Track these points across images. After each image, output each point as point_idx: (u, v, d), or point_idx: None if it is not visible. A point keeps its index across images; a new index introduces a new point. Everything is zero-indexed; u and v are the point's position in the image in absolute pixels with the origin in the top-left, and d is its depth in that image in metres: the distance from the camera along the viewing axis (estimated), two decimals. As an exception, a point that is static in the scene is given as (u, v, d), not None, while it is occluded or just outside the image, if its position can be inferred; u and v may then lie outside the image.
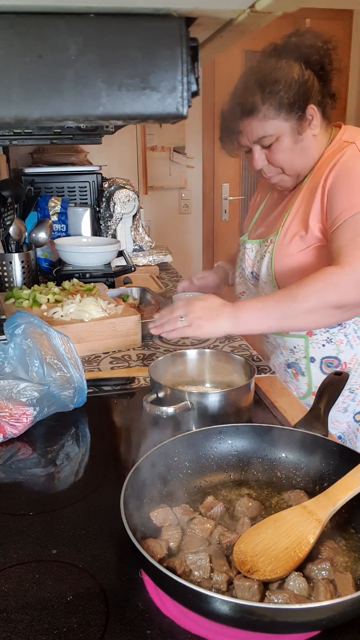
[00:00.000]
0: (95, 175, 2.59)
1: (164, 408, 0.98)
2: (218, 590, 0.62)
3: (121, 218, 2.42)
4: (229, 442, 0.87)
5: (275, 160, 1.28)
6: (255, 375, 1.09)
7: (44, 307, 1.55)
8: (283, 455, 0.86)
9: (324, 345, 1.35)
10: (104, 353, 1.45)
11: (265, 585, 0.63)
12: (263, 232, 1.45)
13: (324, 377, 1.01)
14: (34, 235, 1.94)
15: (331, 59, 1.24)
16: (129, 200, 2.41)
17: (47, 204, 2.36)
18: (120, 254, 2.09)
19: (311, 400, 0.96)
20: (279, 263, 1.33)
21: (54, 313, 1.47)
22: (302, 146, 1.27)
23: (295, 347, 1.39)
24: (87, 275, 1.92)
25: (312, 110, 1.23)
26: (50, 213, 2.35)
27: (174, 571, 0.61)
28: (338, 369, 1.35)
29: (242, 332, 1.32)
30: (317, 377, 1.36)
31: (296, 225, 1.30)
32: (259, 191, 1.60)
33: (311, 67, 1.22)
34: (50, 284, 1.72)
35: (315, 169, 1.29)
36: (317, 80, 1.23)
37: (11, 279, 1.89)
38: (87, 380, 1.13)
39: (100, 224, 2.52)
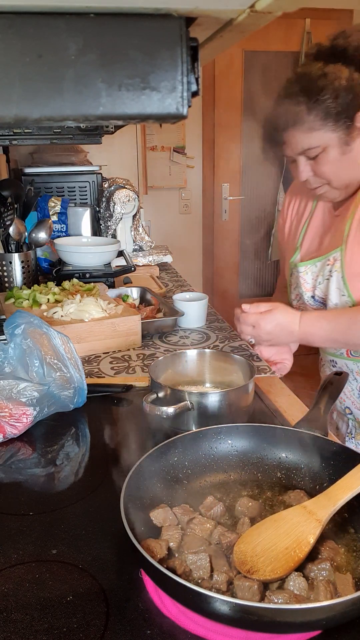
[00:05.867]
0: (95, 175, 2.59)
1: (164, 408, 0.98)
2: (218, 590, 0.62)
3: (121, 218, 2.42)
4: (229, 442, 0.87)
5: (322, 172, 1.19)
6: (255, 375, 1.09)
7: (44, 307, 1.55)
8: (283, 455, 0.86)
9: None
10: (104, 353, 1.45)
11: (265, 585, 0.63)
12: (319, 250, 1.33)
13: None
14: (34, 235, 1.94)
15: None
16: (129, 200, 2.41)
17: (47, 204, 2.36)
18: (120, 254, 2.09)
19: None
20: (355, 280, 1.22)
21: (54, 313, 1.47)
22: (350, 157, 1.17)
23: None
24: (87, 275, 1.92)
25: None
26: (50, 213, 2.35)
27: (174, 571, 0.61)
28: None
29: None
30: None
31: None
32: (292, 201, 1.48)
33: None
34: (50, 284, 1.72)
35: None
36: None
37: (11, 279, 1.89)
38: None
39: (100, 224, 2.52)
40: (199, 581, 0.64)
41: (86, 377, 1.12)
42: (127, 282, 2.00)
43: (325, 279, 1.28)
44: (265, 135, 1.24)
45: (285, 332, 1.19)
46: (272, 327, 1.18)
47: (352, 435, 1.38)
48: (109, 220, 2.45)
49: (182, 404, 0.99)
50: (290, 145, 1.19)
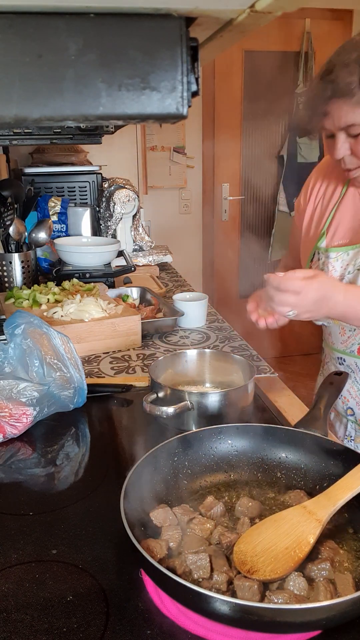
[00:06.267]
0: (95, 175, 2.59)
1: (164, 408, 0.98)
2: (218, 590, 0.62)
3: (121, 218, 2.42)
4: (229, 442, 0.87)
5: None
6: (255, 375, 1.09)
7: (44, 307, 1.55)
8: (283, 455, 0.86)
9: None
10: (104, 353, 1.45)
11: (265, 585, 0.63)
12: (351, 238, 1.25)
13: None
14: (34, 235, 1.94)
15: None
16: (129, 200, 2.41)
17: (47, 204, 2.36)
18: (120, 254, 2.09)
19: None
20: None
21: (54, 313, 1.47)
22: None
23: None
24: (87, 275, 1.92)
25: None
26: (50, 213, 2.35)
27: (174, 571, 0.61)
28: None
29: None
30: None
31: None
32: (317, 182, 1.39)
33: None
34: (50, 284, 1.72)
35: None
36: None
37: (11, 279, 1.89)
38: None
39: (100, 224, 2.52)
40: (199, 581, 0.64)
41: (86, 377, 1.12)
42: (127, 282, 2.00)
43: (356, 269, 1.21)
44: (308, 102, 1.14)
45: (331, 302, 1.05)
46: (318, 295, 1.02)
47: (352, 438, 1.36)
48: (109, 220, 2.45)
49: (182, 404, 0.99)
50: (332, 118, 1.09)
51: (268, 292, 1.02)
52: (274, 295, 1.01)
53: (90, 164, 2.78)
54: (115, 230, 2.44)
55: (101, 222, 2.52)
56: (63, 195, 2.55)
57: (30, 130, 1.52)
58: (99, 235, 2.48)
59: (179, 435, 0.84)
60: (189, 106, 0.42)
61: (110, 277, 1.93)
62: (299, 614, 0.55)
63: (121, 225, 2.44)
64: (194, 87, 0.42)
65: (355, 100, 1.04)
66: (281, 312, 1.03)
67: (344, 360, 1.33)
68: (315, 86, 1.10)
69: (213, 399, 1.01)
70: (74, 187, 2.58)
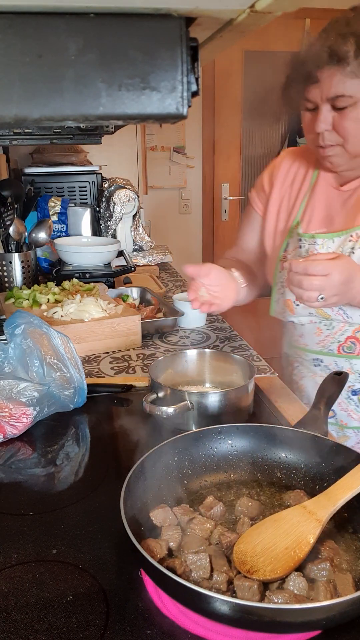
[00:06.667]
0: (95, 175, 2.59)
1: (164, 408, 0.98)
2: (218, 590, 0.62)
3: (121, 218, 2.42)
4: (229, 442, 0.87)
5: (343, 127, 1.08)
6: (255, 375, 1.09)
7: (44, 307, 1.55)
8: (283, 455, 0.86)
9: None
10: (104, 353, 1.45)
11: (265, 585, 0.63)
12: (332, 226, 1.22)
13: None
14: (34, 235, 1.94)
15: None
16: (129, 200, 2.41)
17: (47, 204, 2.36)
18: (120, 254, 2.09)
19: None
20: None
21: (54, 313, 1.47)
22: None
23: None
24: (87, 275, 1.92)
25: None
26: (50, 213, 2.35)
27: (174, 571, 0.61)
28: None
29: None
30: None
31: None
32: (283, 167, 1.35)
33: None
34: (50, 284, 1.72)
35: None
36: None
37: (11, 279, 1.89)
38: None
39: (100, 224, 2.52)
40: (199, 581, 0.64)
41: (86, 377, 1.12)
42: (127, 282, 2.00)
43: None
44: (297, 68, 1.10)
45: (356, 284, 1.02)
46: (345, 277, 0.99)
47: None
48: (109, 220, 2.45)
49: (182, 404, 0.99)
50: (321, 87, 1.07)
51: (293, 279, 0.99)
52: (302, 280, 0.97)
53: (90, 164, 2.78)
54: (115, 230, 2.44)
55: (101, 222, 2.52)
56: (63, 195, 2.55)
57: (30, 130, 1.53)
58: (99, 235, 2.48)
59: (179, 435, 0.84)
60: (189, 106, 0.42)
61: (110, 277, 1.93)
62: (299, 614, 0.55)
63: (121, 225, 2.44)
64: (194, 87, 0.42)
65: (348, 70, 1.02)
66: (310, 297, 0.98)
67: (321, 361, 1.29)
68: (308, 51, 1.07)
69: (213, 399, 1.01)
70: (74, 187, 2.58)
